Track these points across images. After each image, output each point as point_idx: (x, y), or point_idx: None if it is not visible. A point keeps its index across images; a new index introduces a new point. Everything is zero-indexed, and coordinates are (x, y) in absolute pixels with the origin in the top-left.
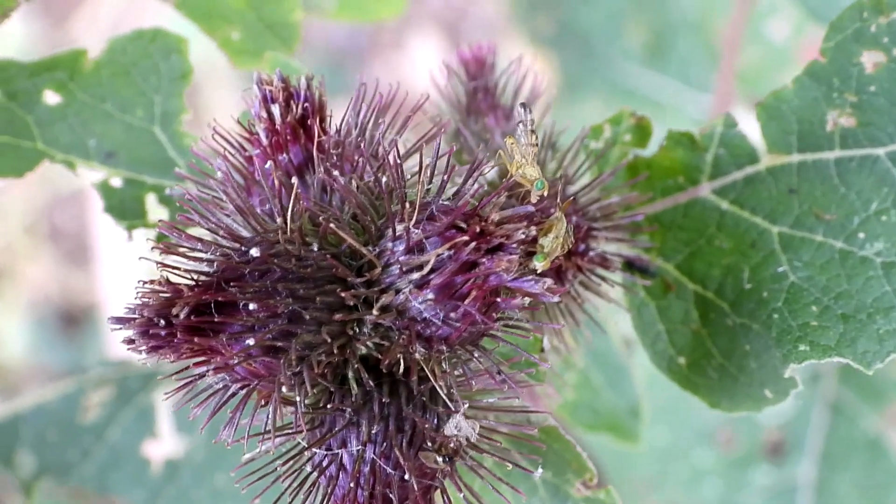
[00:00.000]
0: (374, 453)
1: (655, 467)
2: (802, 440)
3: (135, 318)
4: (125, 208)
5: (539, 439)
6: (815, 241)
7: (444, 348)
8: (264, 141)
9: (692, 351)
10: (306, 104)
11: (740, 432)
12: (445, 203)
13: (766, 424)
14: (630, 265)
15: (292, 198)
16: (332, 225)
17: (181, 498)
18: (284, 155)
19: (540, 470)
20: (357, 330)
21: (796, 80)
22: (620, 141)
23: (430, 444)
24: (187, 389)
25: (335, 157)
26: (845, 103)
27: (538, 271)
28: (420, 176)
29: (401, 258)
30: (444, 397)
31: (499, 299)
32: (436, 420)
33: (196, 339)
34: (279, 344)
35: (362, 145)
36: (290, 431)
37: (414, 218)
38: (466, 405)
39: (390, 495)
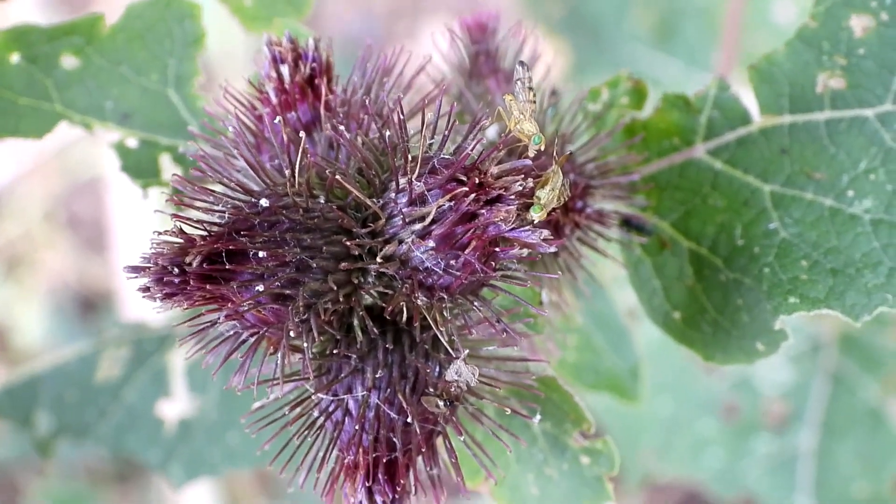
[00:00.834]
0: (378, 399)
1: (660, 437)
2: (803, 409)
3: (149, 267)
4: (141, 168)
5: (538, 389)
6: (806, 198)
7: (446, 297)
8: (274, 99)
9: (687, 306)
10: (314, 64)
11: (743, 403)
12: (447, 157)
13: (768, 394)
14: (627, 223)
15: (300, 152)
16: (338, 177)
17: (195, 457)
18: (293, 113)
19: (538, 417)
20: (362, 279)
21: (788, 44)
22: (618, 103)
23: (432, 389)
24: (200, 337)
25: (341, 115)
26: (835, 66)
27: (535, 222)
28: (422, 132)
29: (404, 209)
30: (446, 344)
31: (497, 249)
32: (437, 368)
33: (208, 287)
34: (287, 292)
35: (368, 104)
36: (297, 378)
37: (416, 171)
38: (467, 352)
39: (394, 439)
